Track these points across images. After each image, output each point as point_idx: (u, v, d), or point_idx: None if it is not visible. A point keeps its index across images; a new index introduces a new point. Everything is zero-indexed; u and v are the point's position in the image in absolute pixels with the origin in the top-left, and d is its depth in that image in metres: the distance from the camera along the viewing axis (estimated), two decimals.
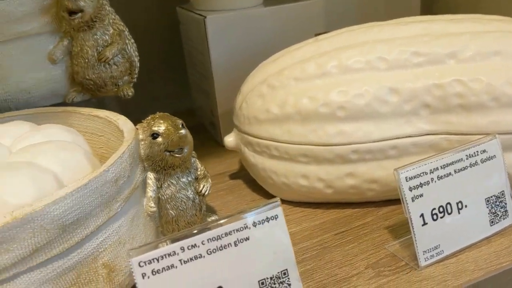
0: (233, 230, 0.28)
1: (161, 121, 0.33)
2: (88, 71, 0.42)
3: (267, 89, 0.38)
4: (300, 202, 0.40)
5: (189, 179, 0.36)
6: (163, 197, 0.35)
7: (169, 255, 0.26)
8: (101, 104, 0.49)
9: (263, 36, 0.51)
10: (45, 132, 0.34)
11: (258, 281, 0.28)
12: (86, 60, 0.42)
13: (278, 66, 0.39)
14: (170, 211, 0.35)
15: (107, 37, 0.42)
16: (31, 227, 0.25)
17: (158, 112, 0.35)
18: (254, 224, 0.28)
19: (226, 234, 0.28)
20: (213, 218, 0.38)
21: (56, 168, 0.30)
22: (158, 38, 0.64)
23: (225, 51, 0.50)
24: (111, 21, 0.42)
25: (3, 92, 0.41)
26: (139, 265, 0.26)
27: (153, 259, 0.26)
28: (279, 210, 0.29)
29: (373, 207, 0.39)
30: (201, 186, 0.36)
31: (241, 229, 0.28)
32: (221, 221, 0.28)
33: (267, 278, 0.28)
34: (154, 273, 0.26)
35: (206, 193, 0.36)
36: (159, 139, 0.33)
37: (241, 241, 0.28)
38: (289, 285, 0.29)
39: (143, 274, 0.26)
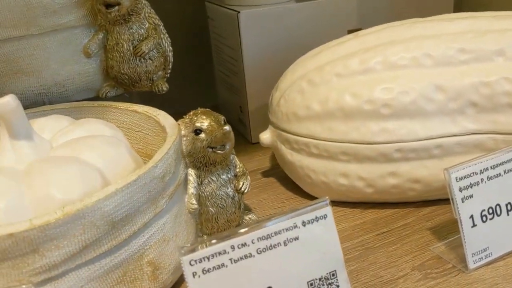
0: (283, 229, 0.27)
1: (204, 117, 0.33)
2: (123, 65, 0.41)
3: (307, 85, 0.38)
4: (337, 202, 0.39)
5: (229, 176, 0.35)
6: (203, 194, 0.34)
7: (219, 254, 0.26)
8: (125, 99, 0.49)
9: (295, 32, 0.50)
10: (86, 127, 0.33)
11: (307, 282, 0.28)
12: (122, 54, 0.41)
13: (318, 61, 0.38)
14: (210, 208, 0.34)
15: (142, 31, 0.42)
16: (82, 224, 0.24)
17: (200, 108, 0.34)
18: (304, 224, 0.28)
19: (275, 233, 0.27)
20: (250, 216, 0.37)
21: (100, 163, 0.30)
22: (184, 33, 0.63)
23: (257, 46, 0.49)
24: (146, 15, 0.42)
25: (38, 85, 0.41)
26: (190, 264, 0.25)
27: (203, 258, 0.25)
28: (328, 210, 0.28)
29: (413, 207, 0.38)
30: (241, 183, 0.35)
31: (291, 228, 0.27)
32: (270, 220, 0.27)
33: (316, 279, 0.28)
34: (204, 272, 0.25)
35: (246, 190, 0.35)
36: (202, 135, 0.32)
37: (291, 240, 0.27)
38: (338, 286, 0.28)
39: (194, 273, 0.25)
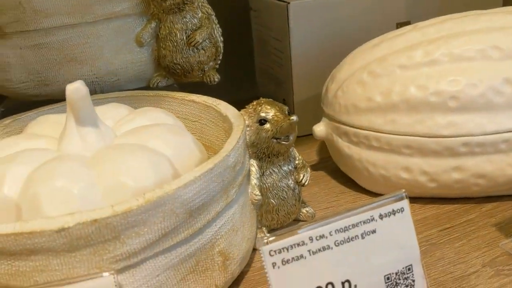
0: (360, 222, 0.26)
1: (269, 107, 0.32)
2: (177, 55, 0.41)
3: (368, 77, 0.37)
4: None
5: (290, 167, 0.34)
6: (264, 186, 0.33)
7: (298, 245, 0.25)
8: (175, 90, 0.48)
9: (343, 24, 0.49)
10: (149, 116, 0.33)
11: (384, 276, 0.27)
12: (175, 44, 0.41)
13: (378, 53, 0.38)
14: (272, 200, 0.34)
15: (196, 21, 0.41)
16: (162, 211, 0.24)
17: (262, 98, 0.34)
18: (381, 217, 0.27)
19: (353, 226, 0.26)
20: (307, 209, 0.37)
21: (167, 151, 0.29)
22: (224, 25, 0.62)
23: (305, 38, 0.48)
24: (200, 4, 0.41)
25: (91, 74, 0.40)
26: (270, 254, 0.24)
27: (283, 249, 0.25)
28: (405, 203, 0.27)
29: (473, 203, 0.37)
30: (301, 175, 0.35)
31: (368, 221, 0.26)
32: (348, 213, 0.26)
33: (392, 274, 0.27)
34: (284, 263, 0.25)
35: (306, 183, 0.35)
36: (267, 125, 0.32)
37: (368, 233, 0.26)
38: (413, 281, 0.27)
39: (273, 264, 0.24)
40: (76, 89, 0.28)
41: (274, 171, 0.34)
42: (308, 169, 0.35)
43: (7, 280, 0.23)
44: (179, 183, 0.24)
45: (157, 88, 0.42)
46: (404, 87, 0.35)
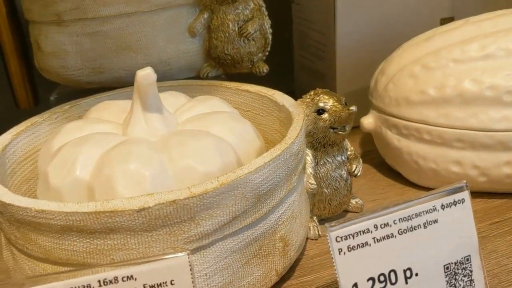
0: (423, 212, 0.27)
1: (327, 97, 0.33)
2: (228, 45, 0.42)
3: (420, 70, 0.37)
4: None
5: (343, 158, 0.35)
6: (318, 175, 0.34)
7: (364, 232, 0.25)
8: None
9: (388, 18, 0.49)
10: (208, 103, 0.33)
11: (444, 266, 0.27)
12: (227, 34, 0.41)
13: (431, 46, 0.38)
14: (325, 189, 0.34)
15: (247, 12, 0.42)
16: (234, 195, 0.25)
17: (318, 88, 0.34)
18: (443, 207, 0.27)
19: (416, 215, 0.27)
20: (356, 200, 0.37)
21: (230, 138, 0.30)
22: None
23: (350, 32, 0.48)
24: None
25: (144, 62, 0.41)
26: (336, 240, 0.25)
27: (349, 235, 0.25)
28: (466, 194, 0.28)
29: None
30: (354, 166, 0.35)
31: (430, 211, 0.27)
32: (411, 202, 0.27)
33: (452, 263, 0.27)
34: (349, 249, 0.25)
35: (359, 173, 0.35)
36: (325, 115, 0.32)
37: (430, 223, 0.27)
38: (471, 271, 0.28)
39: (340, 250, 0.25)
40: (146, 75, 0.29)
41: (328, 161, 0.34)
42: (360, 160, 0.36)
43: (84, 258, 0.24)
44: (250, 167, 0.25)
45: (207, 78, 0.43)
46: (458, 81, 0.35)
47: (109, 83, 0.42)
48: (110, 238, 0.24)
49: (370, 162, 0.45)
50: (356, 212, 0.37)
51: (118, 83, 0.42)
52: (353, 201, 0.37)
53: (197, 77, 0.44)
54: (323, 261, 0.32)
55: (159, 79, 0.42)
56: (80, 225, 0.23)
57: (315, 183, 0.33)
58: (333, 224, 0.25)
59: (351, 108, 0.32)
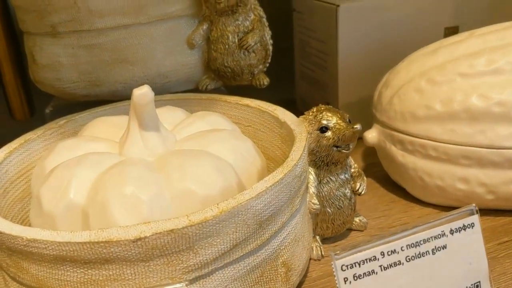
0: (431, 237, 0.26)
1: (330, 114, 0.32)
2: (228, 58, 0.41)
3: (426, 84, 0.36)
4: (448, 207, 0.38)
5: (346, 176, 0.34)
6: (320, 194, 0.33)
7: (370, 260, 0.24)
8: (222, 92, 0.48)
9: (391, 28, 0.48)
10: (207, 120, 0.32)
11: None
12: (226, 46, 0.40)
13: (436, 60, 0.37)
14: (328, 209, 0.33)
15: (248, 23, 0.41)
16: (235, 222, 0.24)
17: (321, 104, 0.33)
18: (452, 232, 0.26)
19: (424, 241, 0.26)
20: (360, 218, 0.36)
21: (230, 157, 0.29)
22: None
23: (352, 41, 0.47)
24: (252, 6, 0.41)
25: (142, 75, 0.40)
26: (342, 269, 0.24)
27: (355, 263, 0.24)
28: (475, 218, 0.27)
29: None
30: (358, 184, 0.34)
31: (439, 236, 0.26)
32: (418, 228, 0.26)
33: None
34: (355, 278, 0.24)
35: (363, 192, 0.34)
36: (329, 133, 0.31)
37: (439, 249, 0.26)
38: None
39: (345, 279, 0.24)
40: (143, 94, 0.28)
41: (331, 179, 0.33)
42: (364, 178, 0.35)
43: None
44: (251, 193, 0.24)
45: (206, 90, 0.42)
46: (465, 96, 0.34)
47: (106, 96, 0.41)
48: (105, 269, 0.22)
49: (373, 175, 0.44)
50: (360, 231, 0.36)
51: (115, 96, 0.41)
52: (356, 219, 0.36)
53: (196, 89, 0.43)
54: (326, 284, 0.31)
55: (157, 92, 0.41)
56: (74, 255, 0.22)
57: (318, 203, 0.32)
58: (338, 252, 0.24)
59: (355, 126, 0.31)
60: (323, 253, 0.33)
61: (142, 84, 0.40)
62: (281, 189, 0.25)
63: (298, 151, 0.28)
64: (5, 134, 0.54)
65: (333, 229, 0.34)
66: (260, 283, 0.26)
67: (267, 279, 0.27)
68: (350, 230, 0.36)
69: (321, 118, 0.32)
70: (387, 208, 0.39)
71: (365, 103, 0.49)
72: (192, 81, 0.42)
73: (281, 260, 0.27)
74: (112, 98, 0.41)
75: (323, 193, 0.33)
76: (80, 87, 0.40)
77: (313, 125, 0.32)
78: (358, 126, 0.31)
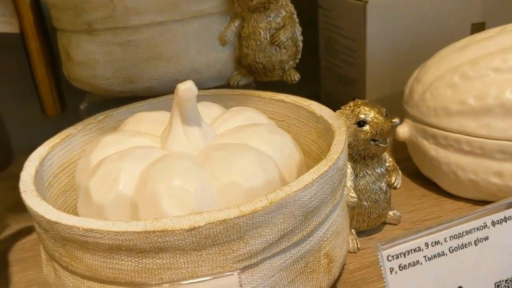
0: (474, 229, 0.26)
1: (367, 109, 0.32)
2: (259, 54, 0.41)
3: (460, 80, 0.36)
4: (480, 201, 0.38)
5: (382, 170, 0.34)
6: (357, 188, 0.33)
7: (415, 250, 0.25)
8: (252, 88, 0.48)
9: (419, 24, 0.49)
10: (245, 115, 0.33)
11: (494, 283, 0.27)
12: (258, 43, 0.41)
13: (468, 55, 0.37)
14: (364, 202, 0.34)
15: (279, 19, 0.41)
16: (283, 213, 0.24)
17: (357, 99, 0.34)
18: (493, 224, 0.26)
19: (467, 233, 0.26)
20: (394, 212, 0.37)
21: (270, 152, 0.30)
22: None
23: (380, 38, 0.48)
24: (283, 2, 0.41)
25: (175, 71, 0.41)
26: (388, 259, 0.24)
27: (400, 254, 0.25)
28: None
29: None
30: (393, 178, 0.34)
31: (481, 228, 0.26)
32: (461, 219, 0.26)
33: (502, 281, 0.27)
34: (401, 268, 0.25)
35: (398, 186, 0.35)
36: (366, 127, 0.32)
37: (481, 240, 0.26)
38: None
39: (391, 269, 0.24)
40: (188, 89, 0.28)
41: (367, 173, 0.33)
42: (399, 172, 0.35)
43: (132, 277, 0.24)
44: (298, 185, 0.25)
45: (237, 86, 0.43)
46: (499, 90, 0.34)
47: (140, 92, 0.42)
48: (159, 257, 0.23)
49: (404, 170, 0.44)
50: (394, 224, 0.37)
51: (149, 92, 0.41)
52: (390, 213, 0.36)
53: (227, 85, 0.43)
54: (364, 276, 0.32)
55: None
56: (129, 244, 0.23)
57: (355, 196, 0.32)
58: (384, 242, 0.25)
59: (394, 120, 0.31)
60: (359, 245, 0.34)
61: (175, 80, 0.41)
62: (325, 181, 0.26)
63: (340, 145, 0.28)
64: (38, 129, 0.55)
65: (368, 222, 0.34)
66: (304, 273, 0.27)
67: (311, 270, 0.27)
68: (384, 223, 0.37)
69: (358, 112, 0.32)
70: (418, 202, 0.40)
71: (393, 99, 0.49)
72: (224, 77, 0.43)
73: (323, 252, 0.28)
74: (146, 94, 0.42)
75: (359, 186, 0.33)
76: (115, 83, 0.41)
77: (350, 119, 0.32)
78: (396, 120, 0.31)
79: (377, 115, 0.32)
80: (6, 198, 0.46)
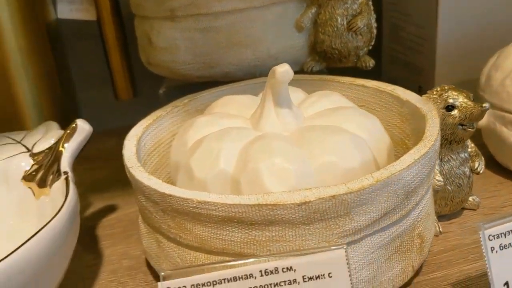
0: None
1: (455, 93, 0.32)
2: (336, 40, 0.42)
3: None
4: None
5: (466, 155, 0.34)
6: (442, 172, 0.34)
7: None
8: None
9: (491, 12, 0.48)
10: (331, 99, 0.34)
11: None
12: (335, 29, 0.41)
13: None
14: (448, 186, 0.34)
15: (356, 6, 0.42)
16: (387, 191, 0.25)
17: (443, 84, 0.34)
18: None
19: None
20: (473, 197, 0.37)
21: (362, 134, 0.30)
22: None
23: (452, 26, 0.47)
24: None
25: (253, 57, 0.42)
26: (489, 239, 0.25)
27: (501, 234, 0.25)
28: None
29: None
30: (476, 163, 0.35)
31: None
32: None
33: None
34: (501, 247, 0.25)
35: (481, 171, 0.35)
36: (455, 111, 0.32)
37: None
38: None
39: (492, 248, 0.25)
40: (285, 72, 0.29)
41: (452, 157, 0.34)
42: (482, 157, 0.35)
43: (241, 248, 0.25)
44: (401, 164, 0.25)
45: (311, 72, 0.43)
46: None
47: (218, 77, 0.43)
48: (268, 230, 0.24)
49: None
50: (473, 210, 0.37)
51: (227, 77, 0.43)
52: (470, 199, 0.36)
53: (300, 71, 0.44)
54: (449, 258, 0.32)
55: (266, 74, 0.43)
56: (242, 216, 0.24)
57: (442, 180, 0.32)
58: (486, 222, 0.25)
59: (484, 105, 0.31)
60: (441, 229, 0.34)
61: (253, 66, 0.42)
62: (425, 163, 0.27)
63: (435, 127, 0.29)
64: (108, 114, 0.58)
65: (451, 206, 0.35)
66: (399, 252, 0.27)
67: (405, 249, 0.28)
68: (463, 209, 0.37)
69: (447, 97, 0.32)
70: (495, 189, 0.40)
71: (463, 87, 0.49)
72: (298, 63, 0.44)
73: (417, 232, 0.28)
74: (223, 79, 0.43)
75: (444, 171, 0.34)
76: (195, 68, 0.43)
77: (438, 103, 0.32)
78: (486, 105, 0.31)
79: (465, 100, 0.32)
80: (84, 179, 0.48)
